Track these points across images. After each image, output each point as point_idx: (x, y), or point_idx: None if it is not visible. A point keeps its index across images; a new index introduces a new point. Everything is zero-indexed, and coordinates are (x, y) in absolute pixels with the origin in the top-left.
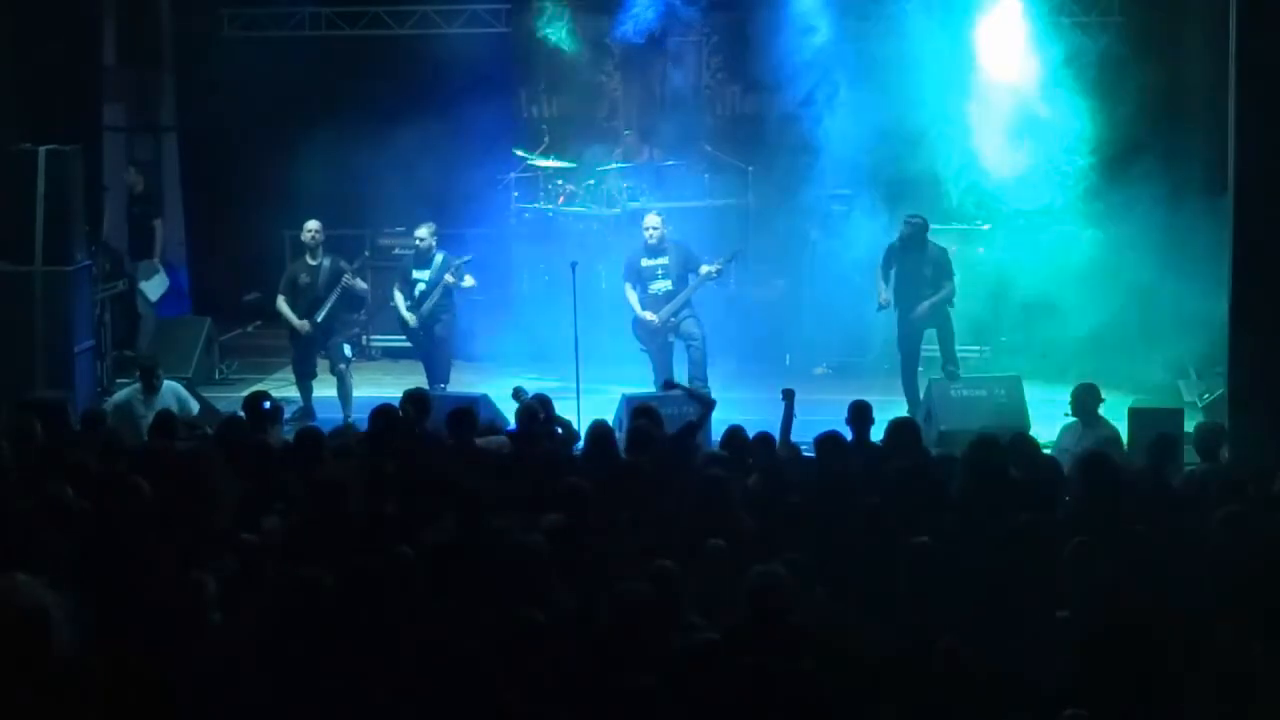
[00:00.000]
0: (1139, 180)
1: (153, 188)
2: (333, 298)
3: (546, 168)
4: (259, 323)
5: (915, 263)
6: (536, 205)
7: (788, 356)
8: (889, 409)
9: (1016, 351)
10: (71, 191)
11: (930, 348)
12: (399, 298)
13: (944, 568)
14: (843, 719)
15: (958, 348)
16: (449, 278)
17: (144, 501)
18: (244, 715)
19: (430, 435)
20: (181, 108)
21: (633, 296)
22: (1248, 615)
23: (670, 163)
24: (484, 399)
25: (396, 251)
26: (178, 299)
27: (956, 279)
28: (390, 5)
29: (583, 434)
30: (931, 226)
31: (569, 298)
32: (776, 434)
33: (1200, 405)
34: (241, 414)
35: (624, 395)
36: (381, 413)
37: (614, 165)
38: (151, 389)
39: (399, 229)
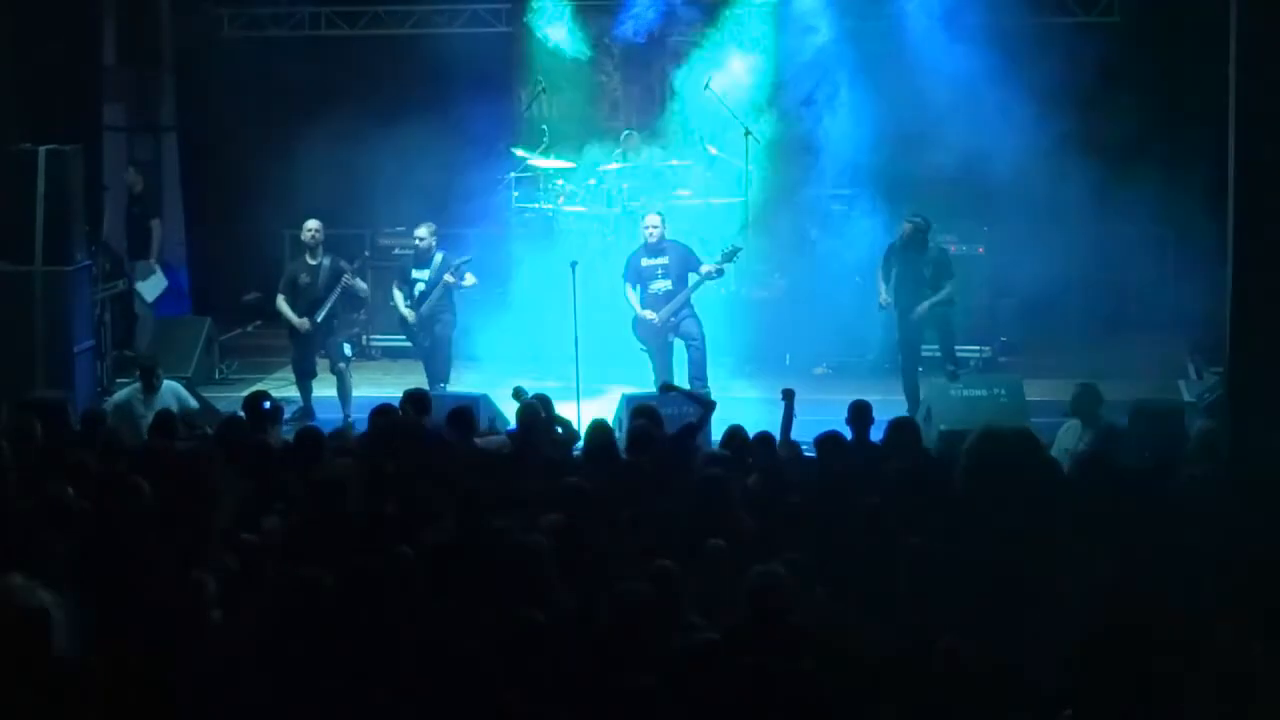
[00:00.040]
0: (1139, 180)
1: (152, 188)
2: (333, 297)
3: (546, 168)
4: (259, 323)
5: (915, 263)
6: (536, 205)
7: (788, 356)
8: (889, 409)
9: (1016, 351)
10: (71, 191)
11: (930, 348)
12: (398, 296)
13: (944, 568)
14: (842, 719)
15: (958, 348)
16: (449, 277)
17: (144, 501)
18: (244, 715)
19: (431, 433)
20: (181, 108)
21: (633, 296)
22: (1248, 615)
23: (670, 163)
24: (484, 399)
25: (396, 251)
26: (178, 299)
27: (957, 279)
28: (390, 5)
29: (583, 434)
30: (932, 226)
31: (569, 298)
32: (776, 434)
33: (1200, 405)
34: (241, 414)
35: (624, 395)
36: (381, 412)
37: (614, 165)
38: (151, 389)
39: (399, 229)
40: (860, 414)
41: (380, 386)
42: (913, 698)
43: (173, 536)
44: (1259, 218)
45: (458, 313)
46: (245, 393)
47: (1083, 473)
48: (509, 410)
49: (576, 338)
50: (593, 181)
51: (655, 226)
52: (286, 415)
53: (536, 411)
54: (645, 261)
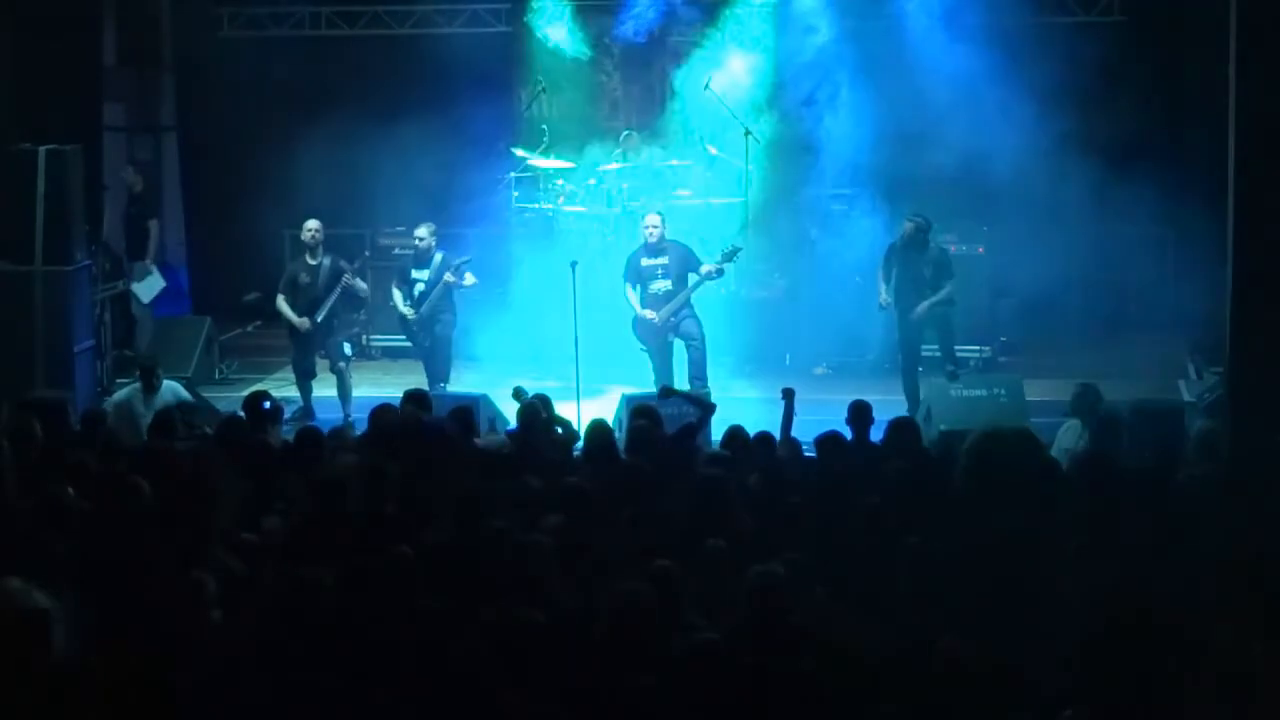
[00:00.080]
0: (1139, 180)
1: (152, 188)
2: (333, 297)
3: (546, 167)
4: (259, 322)
5: (915, 262)
6: (536, 205)
7: (788, 356)
8: (889, 409)
9: (1016, 351)
10: (71, 191)
11: (930, 348)
12: (397, 296)
13: (944, 568)
14: (842, 719)
15: (958, 348)
16: (449, 276)
17: (144, 501)
18: (244, 715)
19: (432, 428)
20: (181, 108)
21: (633, 296)
22: (1248, 615)
23: (670, 162)
24: (484, 399)
25: (396, 251)
26: (178, 299)
27: (957, 279)
28: (390, 5)
29: (583, 434)
30: (933, 225)
31: (569, 298)
32: (776, 434)
33: (1200, 405)
34: (241, 414)
35: (624, 395)
36: (382, 412)
37: (614, 165)
38: (151, 388)
39: (399, 228)
40: (860, 414)
41: (380, 386)
42: (913, 698)
43: (173, 536)
44: (1259, 218)
45: (458, 313)
46: (245, 393)
47: (1082, 473)
48: (509, 410)
49: (576, 338)
50: (593, 181)
51: (655, 226)
52: (286, 415)
53: (537, 411)
54: (645, 261)
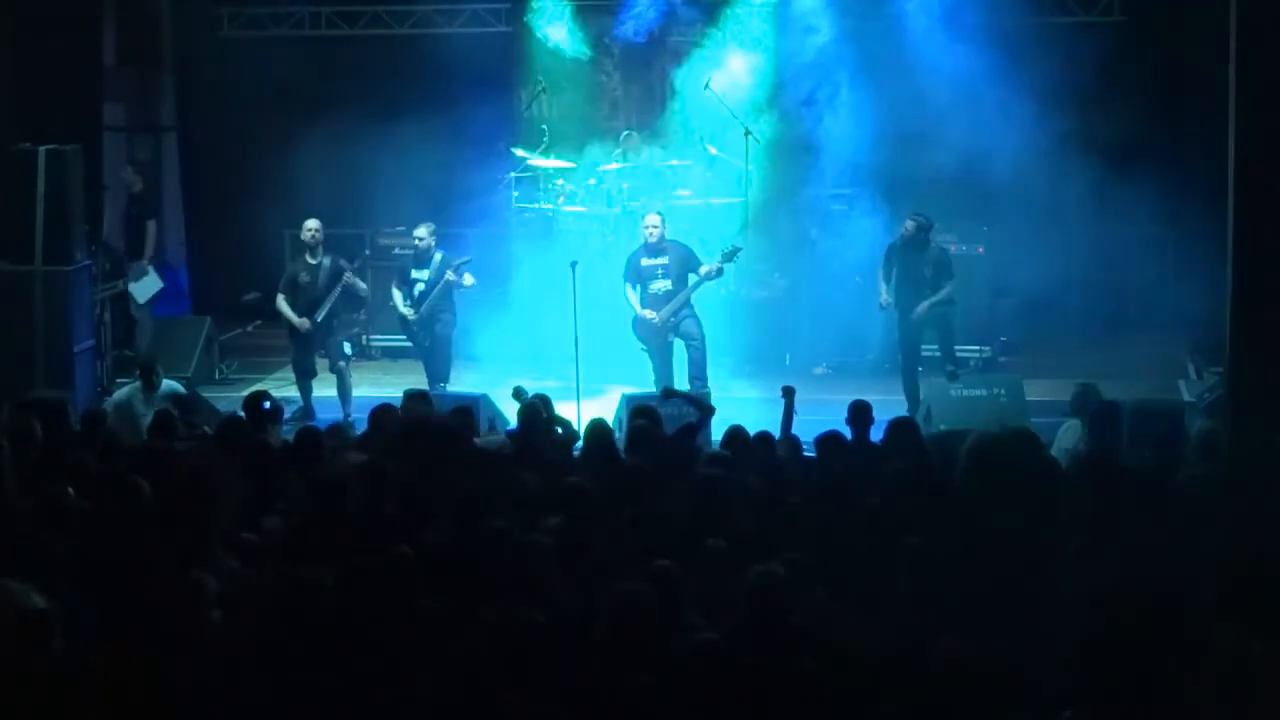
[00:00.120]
0: (1139, 180)
1: (151, 188)
2: (333, 296)
3: (546, 167)
4: (259, 322)
5: (915, 262)
6: (536, 205)
7: (788, 356)
8: (889, 409)
9: (1016, 351)
10: (71, 191)
11: (930, 348)
12: (398, 297)
13: (944, 568)
14: (842, 719)
15: (958, 348)
16: (450, 275)
17: (144, 501)
18: (244, 715)
19: (439, 426)
20: (181, 108)
21: (633, 296)
22: (1248, 615)
23: (670, 163)
24: (484, 399)
25: (396, 251)
26: (178, 299)
27: (957, 279)
28: (390, 5)
29: (582, 434)
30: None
31: (569, 298)
32: (776, 432)
33: (1200, 405)
34: (241, 414)
35: (624, 395)
36: (382, 413)
37: (614, 165)
38: (151, 387)
39: (399, 228)
40: (860, 414)
41: (380, 386)
42: (913, 698)
43: (173, 536)
44: (1259, 218)
45: (458, 312)
46: (245, 393)
47: (1082, 473)
48: (509, 410)
49: (576, 338)
50: (593, 181)
51: (655, 227)
52: (286, 415)
53: (537, 411)
54: (645, 261)
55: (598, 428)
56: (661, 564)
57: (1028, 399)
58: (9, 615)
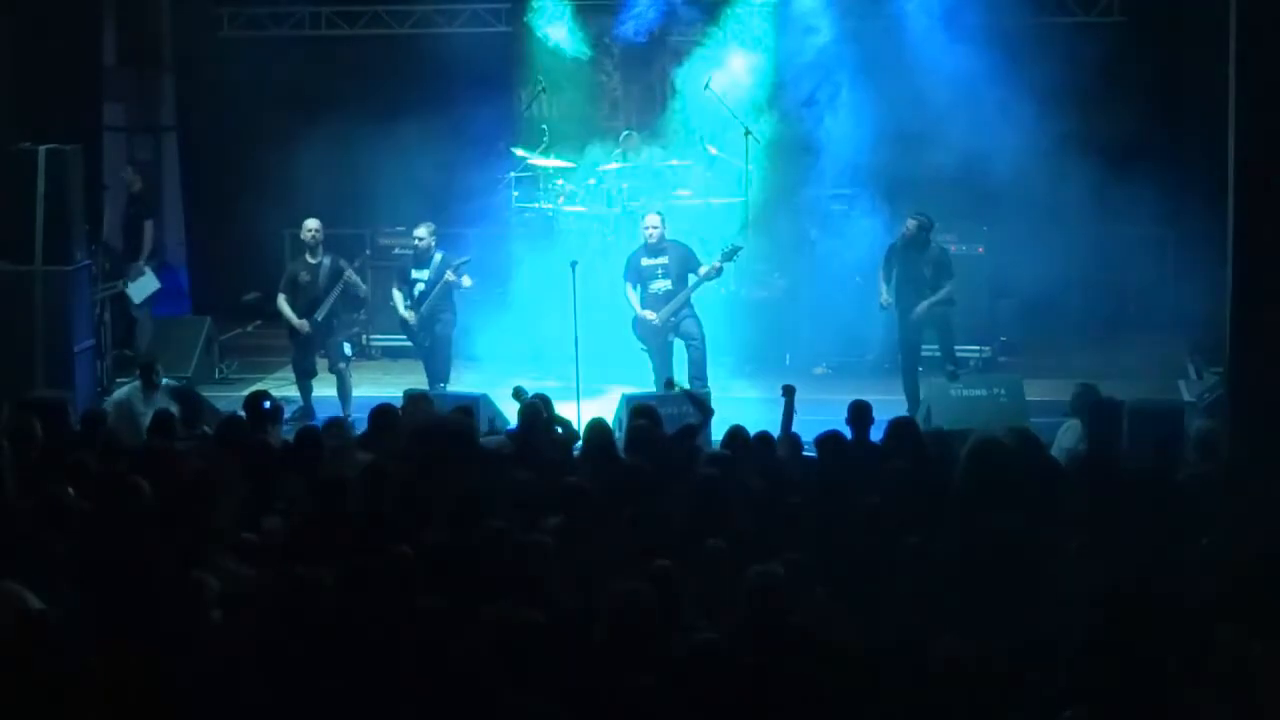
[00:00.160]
0: (1139, 180)
1: (151, 188)
2: (333, 296)
3: (546, 167)
4: (259, 322)
5: (916, 262)
6: (536, 205)
7: (788, 356)
8: (889, 409)
9: (1016, 351)
10: (71, 191)
11: (930, 348)
12: (398, 297)
13: (944, 568)
14: (842, 719)
15: (958, 348)
16: (449, 276)
17: (144, 501)
18: (244, 715)
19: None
20: (181, 108)
21: (633, 296)
22: (1248, 615)
23: (670, 163)
24: (484, 399)
25: (396, 251)
26: (178, 299)
27: (956, 279)
28: (390, 5)
29: (582, 434)
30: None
31: (569, 298)
32: (777, 432)
33: (1200, 405)
34: (241, 414)
35: (624, 395)
36: (382, 413)
37: (614, 165)
38: (152, 385)
39: (399, 228)
40: (860, 414)
41: (380, 386)
42: (912, 698)
43: (173, 536)
44: (1259, 218)
45: (458, 312)
46: (245, 393)
47: (1082, 473)
48: (509, 410)
49: (576, 338)
50: (593, 181)
51: (655, 227)
52: (286, 415)
53: (537, 411)
54: (645, 261)
55: (598, 427)
56: (661, 564)
57: (1028, 399)
58: (9, 616)
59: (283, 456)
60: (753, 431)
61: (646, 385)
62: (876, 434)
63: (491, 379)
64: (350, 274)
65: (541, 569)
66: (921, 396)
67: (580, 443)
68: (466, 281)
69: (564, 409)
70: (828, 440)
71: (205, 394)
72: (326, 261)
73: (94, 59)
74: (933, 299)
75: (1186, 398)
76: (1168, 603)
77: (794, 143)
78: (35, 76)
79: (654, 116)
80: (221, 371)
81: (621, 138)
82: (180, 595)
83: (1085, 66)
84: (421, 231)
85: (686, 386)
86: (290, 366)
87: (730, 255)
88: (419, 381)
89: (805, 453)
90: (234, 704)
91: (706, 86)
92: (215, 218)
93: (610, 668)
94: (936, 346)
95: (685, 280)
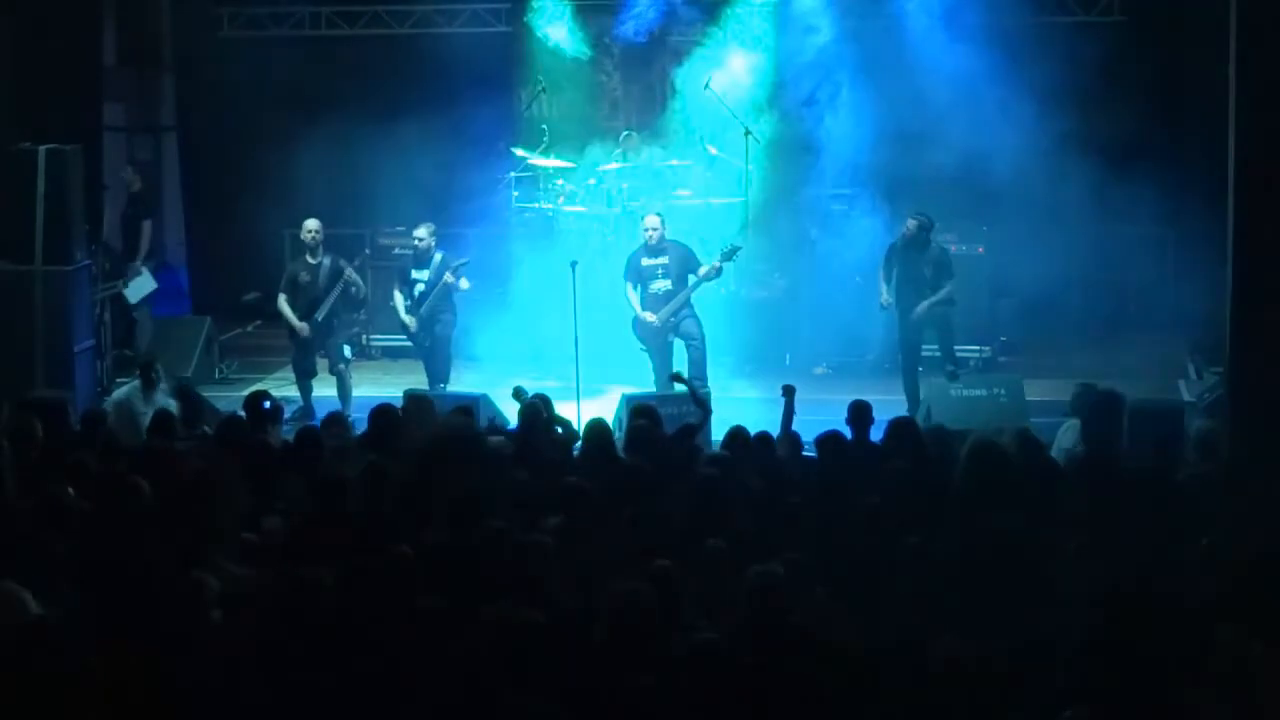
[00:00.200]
0: (1139, 180)
1: (151, 188)
2: (333, 296)
3: (546, 167)
4: (259, 322)
5: (916, 262)
6: (536, 205)
7: (788, 356)
8: (889, 409)
9: (1016, 351)
10: (71, 191)
11: (930, 348)
12: (399, 299)
13: (944, 568)
14: (842, 719)
15: (958, 348)
16: (448, 278)
17: (144, 501)
18: (244, 715)
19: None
20: (181, 108)
21: (633, 296)
22: (1248, 615)
23: (670, 162)
24: (484, 399)
25: (396, 251)
26: (178, 299)
27: (957, 279)
28: (390, 5)
29: (582, 434)
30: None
31: (569, 298)
32: (777, 432)
33: (1200, 405)
34: (241, 414)
35: (624, 395)
36: (382, 412)
37: (614, 165)
38: (151, 384)
39: (399, 228)
40: (860, 414)
41: (380, 386)
42: (912, 698)
43: (173, 536)
44: (1259, 218)
45: (458, 313)
46: (245, 393)
47: (1082, 473)
48: (509, 410)
49: (576, 338)
50: (593, 181)
51: (655, 229)
52: (286, 415)
53: (537, 411)
54: (645, 261)
55: (597, 427)
56: (661, 564)
57: (1028, 399)
58: (9, 616)
59: (283, 456)
60: (753, 431)
61: (646, 385)
62: (876, 434)
63: (491, 379)
64: (350, 274)
65: (541, 569)
66: (921, 396)
67: (580, 443)
68: (464, 284)
69: (564, 409)
70: (828, 440)
71: (205, 394)
72: (326, 262)
73: (94, 59)
74: (933, 299)
75: (1186, 398)
76: (1168, 603)
77: (794, 142)
78: (35, 76)
79: (654, 116)
80: (221, 371)
81: (621, 138)
82: (180, 595)
83: (1085, 66)
84: (421, 232)
85: (692, 382)
86: (290, 366)
87: (730, 255)
88: (419, 381)
89: (805, 453)
90: (234, 704)
91: (706, 86)
92: (215, 218)
93: (610, 668)
94: (936, 346)
95: (685, 280)
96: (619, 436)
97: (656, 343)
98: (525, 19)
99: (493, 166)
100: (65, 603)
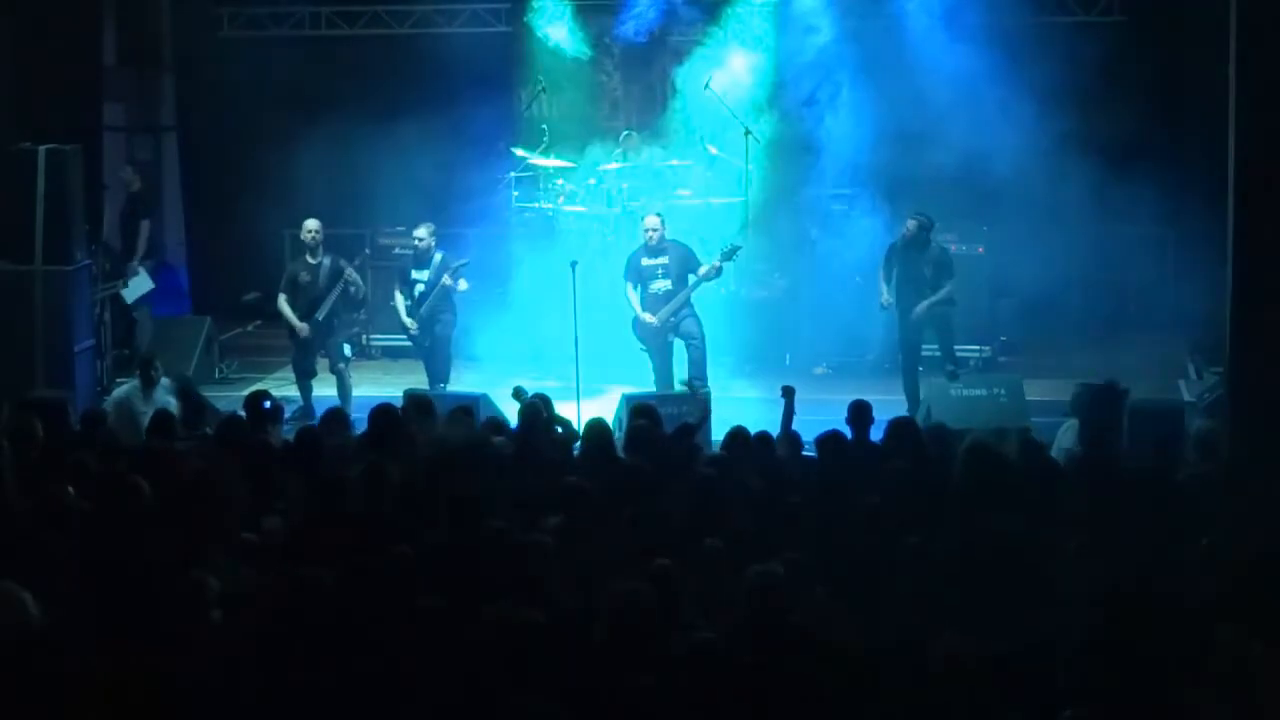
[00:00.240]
0: (1139, 180)
1: (151, 188)
2: (333, 296)
3: (546, 167)
4: (259, 322)
5: (916, 262)
6: (536, 205)
7: (788, 356)
8: (889, 409)
9: (1016, 351)
10: (71, 191)
11: (930, 348)
12: (399, 300)
13: (944, 567)
14: (842, 719)
15: (958, 348)
16: (446, 280)
17: (144, 501)
18: (244, 715)
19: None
20: (181, 108)
21: (633, 296)
22: (1248, 615)
23: (670, 162)
24: (484, 399)
25: (396, 251)
26: (178, 299)
27: (957, 279)
28: (390, 5)
29: (582, 434)
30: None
31: (569, 298)
32: (777, 432)
33: (1200, 405)
34: (241, 414)
35: (624, 395)
36: (381, 412)
37: (614, 165)
38: (151, 382)
39: (399, 228)
40: (860, 414)
41: (380, 386)
42: (912, 697)
43: (173, 536)
44: (1259, 218)
45: (458, 312)
46: (245, 393)
47: (1082, 473)
48: (509, 410)
49: (576, 338)
50: (593, 181)
51: (655, 229)
52: (286, 415)
53: (537, 411)
54: (645, 261)
55: (597, 427)
56: (661, 564)
57: (1028, 399)
58: (8, 616)
59: (283, 456)
60: (753, 431)
61: (646, 385)
62: (876, 434)
63: (491, 379)
64: (350, 274)
65: (541, 569)
66: (921, 396)
67: (580, 443)
68: (463, 285)
69: (564, 409)
70: (828, 440)
71: (205, 394)
72: (326, 262)
73: (94, 59)
74: (933, 299)
75: (1186, 398)
76: (1168, 603)
77: (794, 142)
78: (35, 76)
79: (654, 116)
80: (221, 371)
81: (621, 138)
82: (180, 595)
83: (1085, 66)
84: (421, 232)
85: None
86: (290, 366)
87: (729, 255)
88: (419, 381)
89: (805, 453)
90: (234, 704)
91: (707, 86)
92: (215, 218)
93: (610, 668)
94: (936, 346)
95: (685, 280)
96: (619, 436)
97: (656, 343)
98: (525, 19)
99: (493, 166)
100: (65, 603)
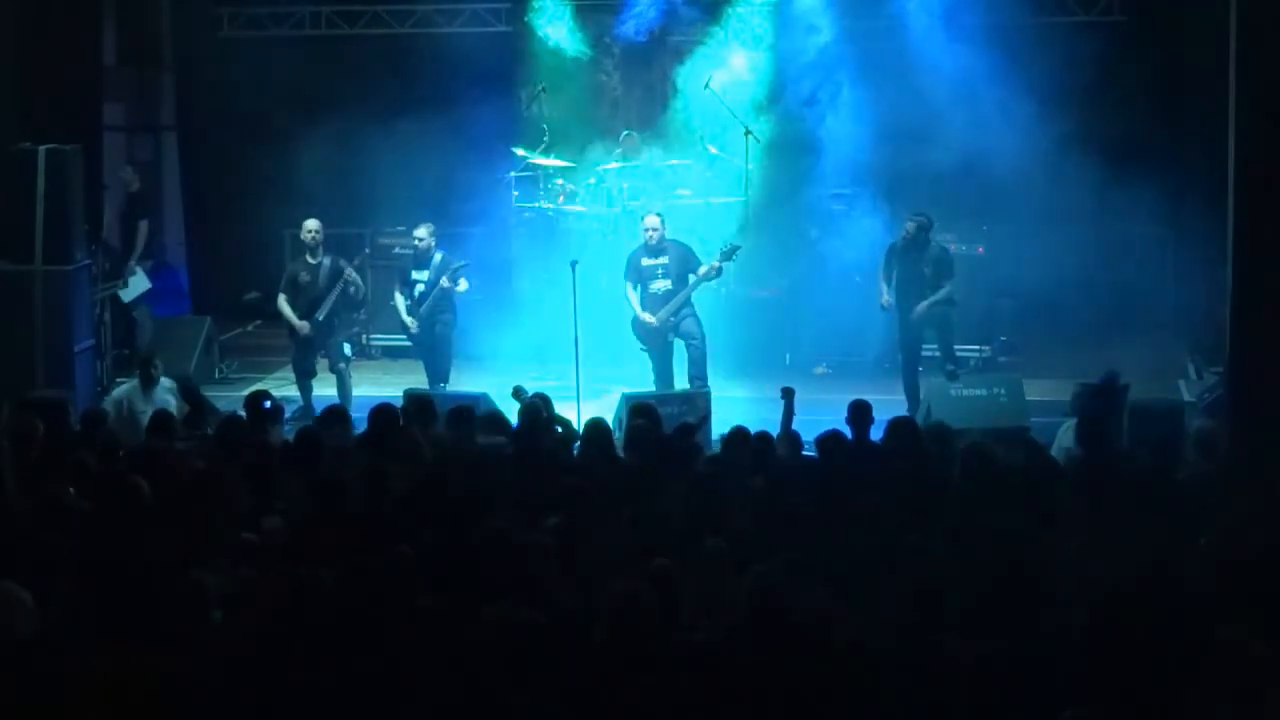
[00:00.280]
0: (1139, 180)
1: (150, 188)
2: (333, 296)
3: (546, 167)
4: (259, 322)
5: (916, 262)
6: (536, 204)
7: (788, 356)
8: (889, 409)
9: (1016, 351)
10: (71, 191)
11: (930, 347)
12: (400, 300)
13: (944, 567)
14: (842, 718)
15: (958, 348)
16: (445, 281)
17: (144, 501)
18: (244, 715)
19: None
20: (181, 108)
21: (633, 296)
22: (1248, 615)
23: (670, 162)
24: (484, 399)
25: (396, 251)
26: (178, 299)
27: (956, 278)
28: (390, 5)
29: (582, 433)
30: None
31: (569, 297)
32: (777, 432)
33: (1200, 405)
34: (241, 414)
35: (624, 395)
36: (381, 412)
37: (614, 165)
38: (150, 381)
39: (399, 228)
40: (860, 414)
41: (380, 386)
42: (912, 697)
43: (173, 536)
44: (1259, 218)
45: (457, 312)
46: (245, 393)
47: (1082, 473)
48: (509, 410)
49: (576, 338)
50: (593, 181)
51: (655, 229)
52: (286, 415)
53: (537, 411)
54: (645, 261)
55: (597, 427)
56: (661, 564)
57: (1028, 399)
58: (8, 616)
59: (283, 456)
60: (753, 431)
61: (646, 385)
62: (877, 434)
63: (491, 379)
64: (350, 274)
65: (541, 569)
66: (921, 396)
67: (580, 442)
68: (462, 285)
69: (564, 409)
70: (828, 440)
71: (205, 394)
72: (326, 262)
73: (94, 59)
74: (933, 298)
75: (1186, 398)
76: (1168, 603)
77: (794, 142)
78: (35, 76)
79: (654, 116)
80: (221, 371)
81: (622, 138)
82: (180, 595)
83: (1085, 66)
84: (421, 232)
85: (688, 388)
86: (290, 366)
87: (729, 255)
88: (419, 381)
89: (805, 453)
90: (234, 704)
91: (707, 86)
92: (215, 218)
93: (610, 668)
94: (936, 346)
95: (685, 280)
96: (619, 436)
97: (656, 343)
98: (525, 19)
99: (493, 166)
100: (65, 603)
